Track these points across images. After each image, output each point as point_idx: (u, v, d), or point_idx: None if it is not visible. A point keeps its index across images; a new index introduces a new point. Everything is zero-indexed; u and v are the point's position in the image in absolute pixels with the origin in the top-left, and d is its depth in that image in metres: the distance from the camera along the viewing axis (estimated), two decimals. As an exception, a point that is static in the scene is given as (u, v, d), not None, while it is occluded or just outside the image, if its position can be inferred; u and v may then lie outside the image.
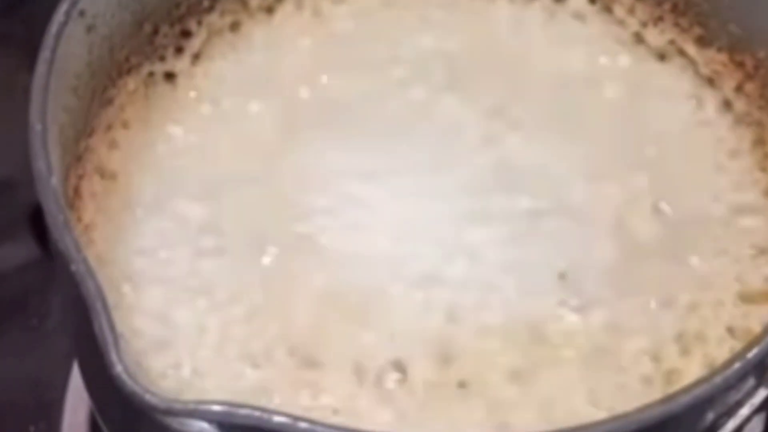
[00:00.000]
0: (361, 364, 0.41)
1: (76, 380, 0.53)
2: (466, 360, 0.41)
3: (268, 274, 0.43)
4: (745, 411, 0.36)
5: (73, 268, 0.35)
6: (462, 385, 0.41)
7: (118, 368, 0.34)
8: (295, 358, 0.41)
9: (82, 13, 0.41)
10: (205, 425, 0.33)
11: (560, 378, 0.41)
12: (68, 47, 0.41)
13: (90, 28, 0.43)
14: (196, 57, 0.48)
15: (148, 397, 0.33)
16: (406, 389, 0.41)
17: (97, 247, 0.44)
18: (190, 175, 0.46)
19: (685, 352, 0.42)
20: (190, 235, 0.44)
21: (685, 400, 0.34)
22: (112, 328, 0.34)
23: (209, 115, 0.47)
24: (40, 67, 0.39)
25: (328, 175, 0.46)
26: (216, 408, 0.33)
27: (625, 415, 0.34)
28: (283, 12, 0.50)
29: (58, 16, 0.40)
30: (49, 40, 0.39)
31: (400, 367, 0.41)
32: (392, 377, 0.41)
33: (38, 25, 0.39)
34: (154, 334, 0.42)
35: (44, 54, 0.39)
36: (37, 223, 0.55)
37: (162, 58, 0.48)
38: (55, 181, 0.37)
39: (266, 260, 0.43)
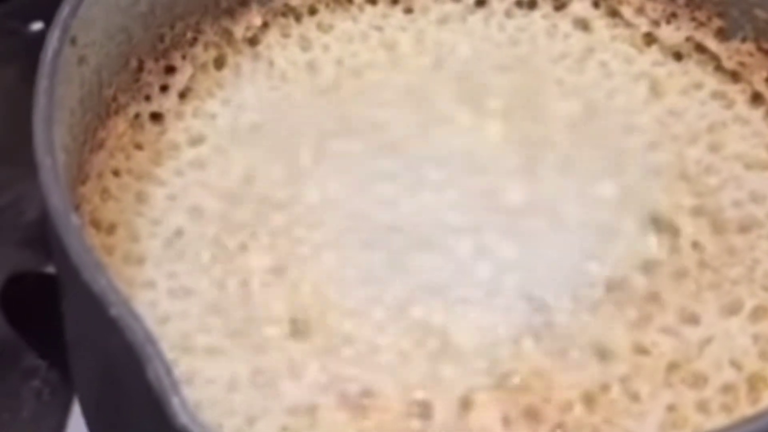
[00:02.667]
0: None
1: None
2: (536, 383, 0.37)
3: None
4: None
5: (114, 312, 0.30)
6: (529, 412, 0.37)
7: (184, 419, 0.29)
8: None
9: (73, 41, 0.37)
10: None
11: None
12: (62, 78, 0.36)
13: (81, 60, 0.38)
14: (183, 95, 0.44)
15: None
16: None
17: (102, 306, 0.39)
18: (193, 227, 0.41)
19: (764, 356, 0.39)
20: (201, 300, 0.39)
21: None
22: (169, 372, 0.29)
23: (207, 158, 0.43)
24: (41, 99, 0.34)
25: (342, 214, 0.42)
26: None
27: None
28: (267, 43, 0.46)
29: (51, 43, 0.36)
30: (44, 68, 0.35)
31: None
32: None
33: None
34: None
35: (42, 83, 0.35)
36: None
37: (147, 98, 0.44)
38: (75, 218, 0.32)
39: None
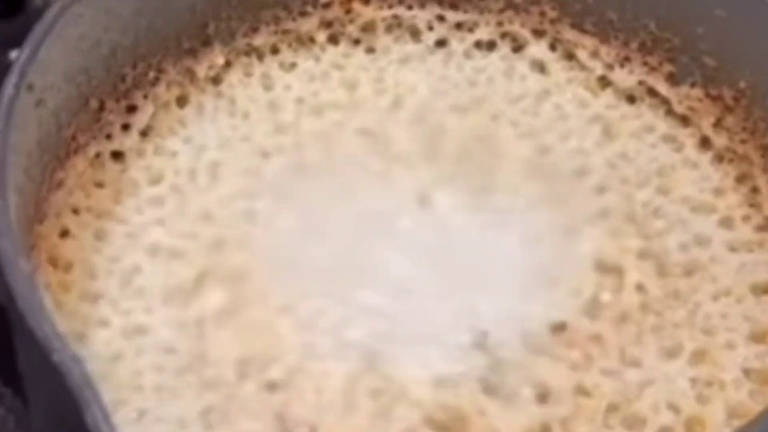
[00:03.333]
0: None
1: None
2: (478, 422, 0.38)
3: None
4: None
5: (56, 358, 0.31)
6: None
7: (119, 463, 0.30)
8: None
9: (30, 87, 0.38)
10: None
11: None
12: (18, 122, 0.37)
13: (39, 103, 0.39)
14: (144, 134, 0.45)
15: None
16: None
17: (56, 343, 0.40)
18: (150, 265, 0.42)
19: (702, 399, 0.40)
20: (154, 339, 0.40)
21: None
22: (107, 418, 0.30)
23: (165, 197, 0.44)
24: (-6, 145, 0.35)
25: (292, 255, 0.43)
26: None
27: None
28: (230, 82, 0.47)
29: (8, 89, 0.37)
30: (1, 112, 0.36)
31: None
32: None
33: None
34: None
35: (-4, 129, 0.35)
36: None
37: (109, 137, 0.45)
38: (24, 262, 0.33)
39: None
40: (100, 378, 0.39)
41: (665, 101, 0.47)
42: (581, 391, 0.39)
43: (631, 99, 0.47)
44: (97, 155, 0.44)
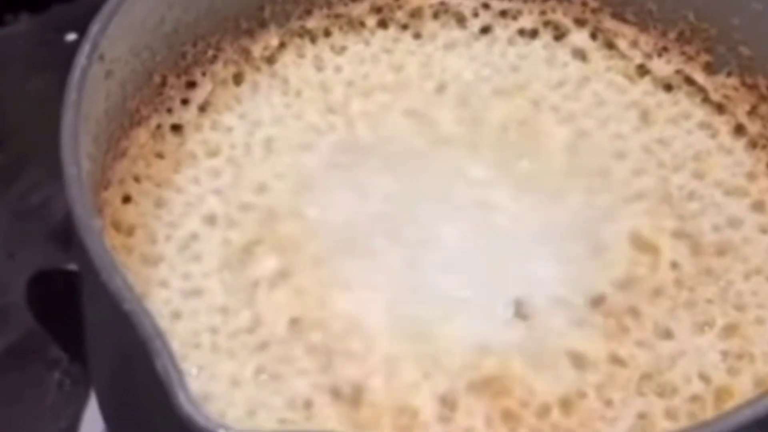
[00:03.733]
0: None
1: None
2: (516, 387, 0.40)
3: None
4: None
5: (127, 307, 0.33)
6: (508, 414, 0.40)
7: (188, 408, 0.32)
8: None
9: (101, 57, 0.40)
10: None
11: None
12: (90, 91, 0.39)
13: (108, 74, 0.41)
14: (202, 109, 0.47)
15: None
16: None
17: (120, 303, 0.42)
18: (207, 233, 0.44)
19: (731, 371, 0.41)
20: (210, 302, 0.42)
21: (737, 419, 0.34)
22: (175, 365, 0.33)
23: (222, 169, 0.46)
24: (68, 111, 0.37)
25: (344, 225, 0.45)
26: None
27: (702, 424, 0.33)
28: (284, 62, 0.49)
29: (80, 59, 0.39)
30: (73, 82, 0.38)
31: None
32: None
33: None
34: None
35: (70, 96, 0.38)
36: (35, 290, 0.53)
37: (169, 110, 0.47)
38: (96, 223, 0.35)
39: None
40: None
41: (701, 89, 0.48)
42: (616, 360, 0.41)
43: (668, 87, 0.49)
44: (158, 127, 0.46)
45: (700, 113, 0.48)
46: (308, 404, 0.40)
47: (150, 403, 0.34)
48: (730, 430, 0.33)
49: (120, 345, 0.35)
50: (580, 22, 0.51)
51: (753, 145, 0.47)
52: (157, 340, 0.33)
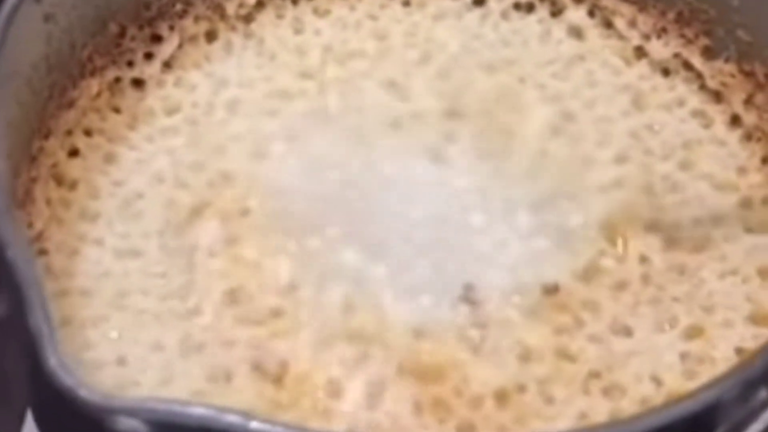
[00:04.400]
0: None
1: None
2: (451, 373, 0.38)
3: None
4: (757, 427, 0.32)
5: (10, 254, 0.31)
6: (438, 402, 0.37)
7: (52, 362, 0.30)
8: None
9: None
10: (139, 427, 0.29)
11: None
12: (22, 33, 0.38)
13: (48, 17, 0.40)
14: (167, 65, 0.45)
15: (83, 392, 0.29)
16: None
17: (49, 258, 0.40)
18: (153, 192, 0.42)
19: (689, 374, 0.38)
20: (145, 263, 0.40)
21: (685, 408, 0.30)
22: (48, 318, 0.31)
23: (179, 128, 0.44)
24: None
25: (295, 196, 0.42)
26: (161, 406, 0.29)
27: (618, 423, 0.30)
28: (261, 22, 0.47)
29: (11, -2, 0.37)
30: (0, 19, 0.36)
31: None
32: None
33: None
34: (107, 350, 0.38)
35: (-7, 35, 0.36)
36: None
37: (130, 64, 0.45)
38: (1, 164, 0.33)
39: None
40: (84, 293, 0.39)
41: (699, 75, 0.45)
42: (564, 354, 0.38)
43: (665, 71, 0.46)
44: (117, 80, 0.44)
45: (695, 100, 0.45)
46: (228, 377, 0.38)
47: (22, 356, 0.32)
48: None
49: (9, 292, 0.33)
50: (577, -1, 0.47)
51: (748, 137, 0.44)
52: (32, 289, 0.31)
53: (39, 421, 0.37)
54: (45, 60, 0.40)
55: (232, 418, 0.29)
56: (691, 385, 0.37)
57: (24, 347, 0.31)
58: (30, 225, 0.40)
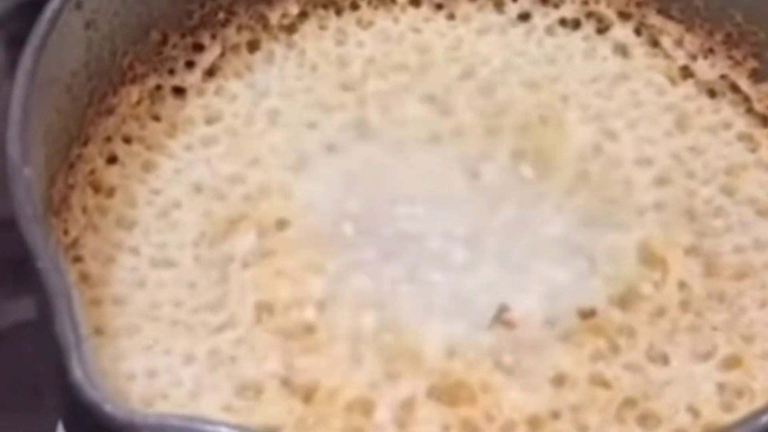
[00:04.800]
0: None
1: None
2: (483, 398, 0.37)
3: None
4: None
5: (39, 264, 0.31)
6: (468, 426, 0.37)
7: (77, 374, 0.30)
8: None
9: (78, 5, 0.38)
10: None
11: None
12: (63, 40, 0.38)
13: (89, 24, 0.40)
14: (209, 73, 0.45)
15: (108, 407, 0.29)
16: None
17: (84, 265, 0.40)
18: (190, 202, 0.42)
19: (726, 406, 0.37)
20: (178, 274, 0.40)
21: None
22: (75, 329, 0.30)
23: (219, 137, 0.44)
24: (27, 55, 0.36)
25: (331, 211, 0.42)
26: (184, 424, 0.29)
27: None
28: (303, 33, 0.47)
29: (53, 3, 0.37)
30: (40, 28, 0.36)
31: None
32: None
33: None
34: (138, 361, 0.38)
35: (33, 41, 0.36)
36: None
37: (171, 72, 0.45)
38: (28, 171, 0.33)
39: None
40: (117, 301, 0.39)
41: (746, 98, 0.44)
42: (599, 381, 0.38)
43: (711, 93, 0.45)
44: (158, 88, 0.44)
45: (742, 123, 0.44)
46: (258, 393, 0.38)
47: (52, 367, 0.32)
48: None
49: (38, 303, 0.33)
50: (624, 16, 0.47)
51: (795, 163, 0.43)
52: (61, 299, 0.30)
53: (68, 429, 0.37)
54: (85, 67, 0.40)
55: (255, 439, 0.29)
56: (729, 417, 0.37)
57: (53, 356, 0.31)
58: (65, 232, 0.40)
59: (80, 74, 0.40)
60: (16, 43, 0.37)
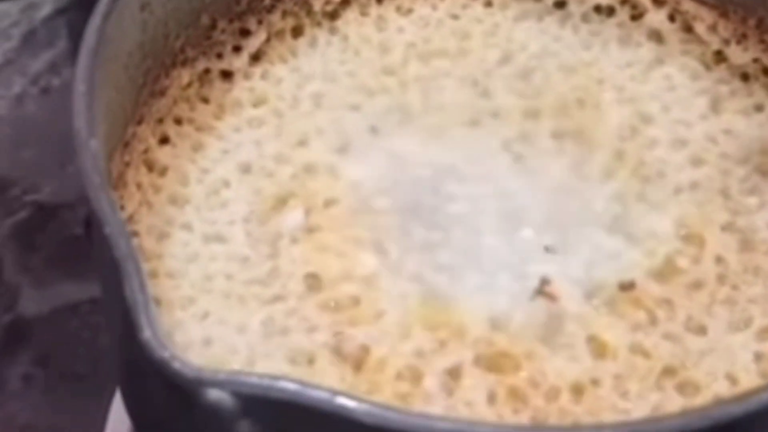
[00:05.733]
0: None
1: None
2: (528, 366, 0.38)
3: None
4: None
5: (107, 230, 0.33)
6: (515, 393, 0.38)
7: (147, 333, 0.31)
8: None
9: (136, -12, 0.39)
10: (228, 400, 0.30)
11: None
12: (121, 20, 0.39)
13: (144, 6, 0.41)
14: (255, 58, 0.47)
15: (176, 364, 0.30)
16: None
17: (139, 240, 0.41)
18: (239, 181, 0.43)
19: (764, 374, 0.39)
20: (230, 249, 0.42)
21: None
22: (143, 290, 0.32)
23: (265, 119, 0.45)
24: (90, 34, 0.37)
25: (376, 189, 0.43)
26: (251, 379, 0.30)
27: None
28: (346, 19, 0.48)
29: (112, -15, 0.38)
30: (101, 8, 0.37)
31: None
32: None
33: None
34: (194, 331, 0.39)
35: (94, 21, 0.37)
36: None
37: (219, 56, 0.46)
38: (95, 143, 0.34)
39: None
40: (172, 275, 0.40)
41: (779, 82, 0.46)
42: (639, 350, 0.39)
43: (744, 77, 0.46)
44: (206, 71, 0.46)
45: (776, 107, 0.45)
46: (311, 361, 0.39)
47: (118, 327, 0.33)
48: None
49: (104, 267, 0.34)
50: (658, 2, 0.48)
51: (826, 143, 0.44)
52: (130, 262, 0.32)
53: (126, 395, 0.38)
54: (140, 48, 0.41)
55: (319, 394, 0.30)
56: None
57: (118, 321, 0.33)
58: (122, 208, 0.41)
59: (136, 54, 0.41)
60: (78, 32, 0.38)
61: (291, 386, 0.30)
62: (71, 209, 0.53)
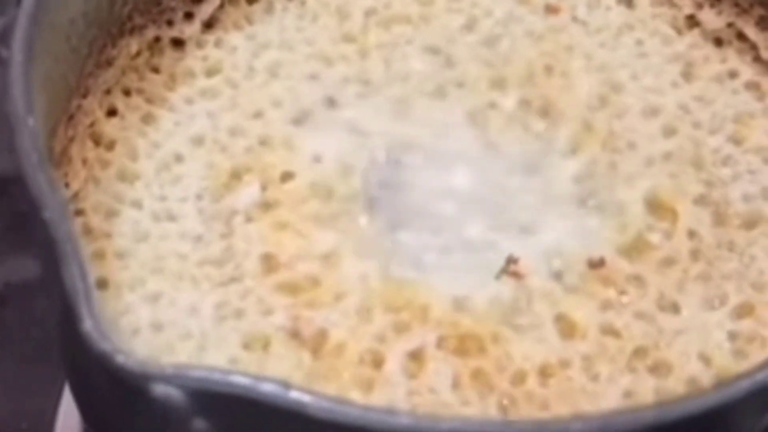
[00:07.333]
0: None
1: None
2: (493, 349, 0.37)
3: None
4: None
5: (46, 214, 0.31)
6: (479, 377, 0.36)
7: (88, 324, 0.29)
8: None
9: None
10: (176, 394, 0.28)
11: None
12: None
13: (87, -27, 0.39)
14: (208, 25, 0.45)
15: (120, 358, 0.29)
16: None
17: (85, 218, 0.39)
18: (192, 155, 0.41)
19: (738, 354, 0.37)
20: (183, 227, 0.40)
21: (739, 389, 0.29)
22: (84, 278, 0.30)
23: (219, 90, 0.43)
24: (28, 1, 0.35)
25: (335, 164, 0.41)
26: (199, 374, 0.28)
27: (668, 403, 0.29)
28: (303, -16, 0.46)
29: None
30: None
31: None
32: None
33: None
34: (143, 314, 0.37)
35: (32, -11, 0.35)
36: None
37: (170, 23, 0.44)
38: (33, 121, 0.32)
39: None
40: (120, 255, 0.38)
41: (753, 46, 0.44)
42: (609, 330, 0.37)
43: (718, 42, 0.45)
44: (156, 39, 0.44)
45: (749, 72, 0.44)
46: (266, 345, 0.37)
47: (60, 315, 0.31)
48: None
49: (43, 251, 0.32)
50: (627, -36, 0.46)
51: (803, 111, 0.43)
52: (69, 245, 0.30)
53: (73, 387, 0.37)
54: (83, 16, 0.39)
55: (270, 387, 0.28)
56: (741, 364, 0.36)
57: (59, 310, 0.31)
58: (66, 185, 0.39)
59: (79, 23, 0.39)
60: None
61: (242, 380, 0.28)
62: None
